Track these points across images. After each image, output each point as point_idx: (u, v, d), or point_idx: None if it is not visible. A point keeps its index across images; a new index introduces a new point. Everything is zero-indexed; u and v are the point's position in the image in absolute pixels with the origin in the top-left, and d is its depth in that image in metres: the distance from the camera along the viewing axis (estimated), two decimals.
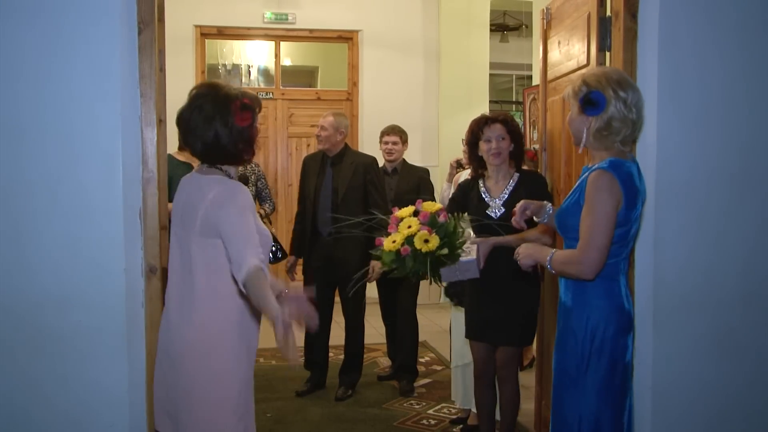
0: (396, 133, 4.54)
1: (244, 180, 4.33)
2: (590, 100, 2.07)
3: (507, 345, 3.08)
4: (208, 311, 2.08)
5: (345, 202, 4.15)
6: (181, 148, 4.06)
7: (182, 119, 2.12)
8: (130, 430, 2.33)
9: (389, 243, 2.65)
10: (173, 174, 4.03)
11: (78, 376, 2.32)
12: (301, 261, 4.42)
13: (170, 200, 4.06)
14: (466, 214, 2.95)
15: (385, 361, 4.96)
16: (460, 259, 2.72)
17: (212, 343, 2.08)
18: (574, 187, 2.21)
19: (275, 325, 1.84)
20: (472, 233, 2.89)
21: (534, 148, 5.01)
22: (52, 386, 2.31)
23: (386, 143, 4.54)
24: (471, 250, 2.79)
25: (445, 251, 2.61)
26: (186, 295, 2.10)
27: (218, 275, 2.08)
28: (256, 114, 2.15)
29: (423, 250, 2.59)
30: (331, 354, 4.55)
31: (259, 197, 4.42)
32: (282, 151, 7.37)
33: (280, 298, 2.17)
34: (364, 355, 4.50)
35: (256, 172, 4.61)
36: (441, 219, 2.65)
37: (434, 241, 2.60)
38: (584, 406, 2.13)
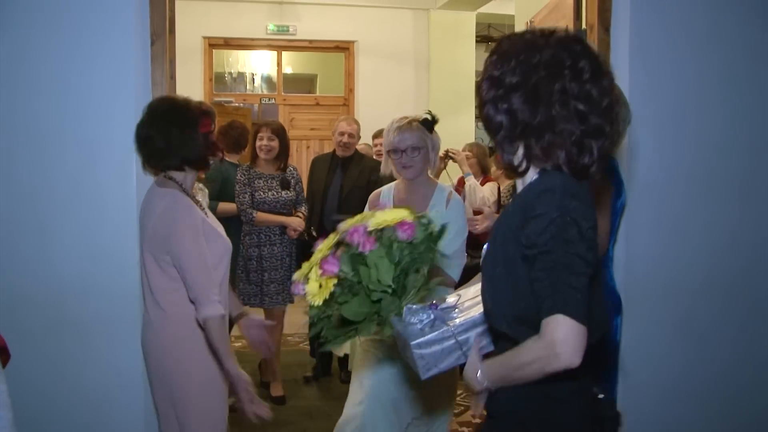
0: (380, 136, 4.70)
1: (285, 184, 4.17)
2: None
3: None
4: (159, 332, 2.17)
5: (348, 200, 4.35)
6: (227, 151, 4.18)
7: (148, 138, 2.13)
8: (145, 411, 2.46)
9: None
10: (228, 175, 4.13)
11: (96, 361, 2.46)
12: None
13: (222, 200, 4.10)
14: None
15: None
16: (412, 341, 1.43)
17: (172, 352, 2.16)
18: None
19: (236, 387, 2.04)
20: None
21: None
22: (73, 370, 2.45)
23: (375, 146, 4.77)
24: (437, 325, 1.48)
25: (330, 312, 1.52)
26: (145, 311, 2.23)
27: (167, 297, 2.13)
28: (214, 120, 2.23)
29: (313, 303, 1.51)
30: None
31: (296, 200, 4.31)
32: None
33: (242, 319, 2.34)
34: None
35: (295, 176, 4.41)
36: (368, 247, 1.47)
37: (325, 290, 1.50)
38: None
